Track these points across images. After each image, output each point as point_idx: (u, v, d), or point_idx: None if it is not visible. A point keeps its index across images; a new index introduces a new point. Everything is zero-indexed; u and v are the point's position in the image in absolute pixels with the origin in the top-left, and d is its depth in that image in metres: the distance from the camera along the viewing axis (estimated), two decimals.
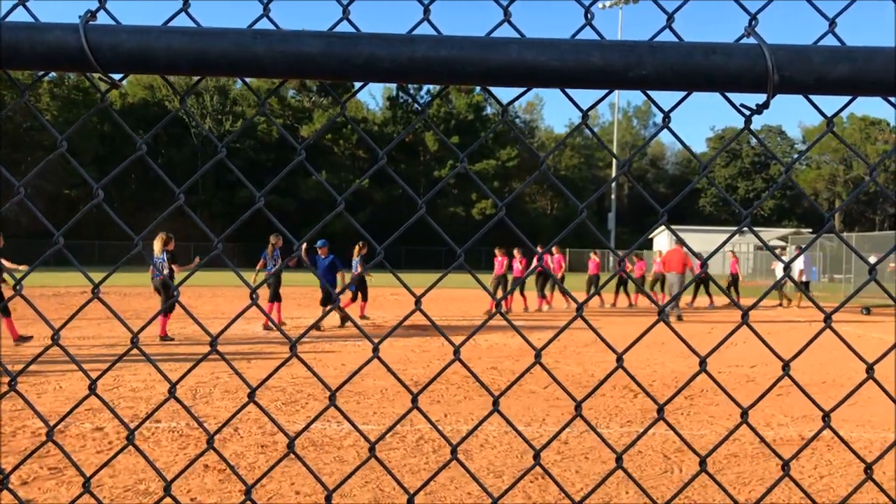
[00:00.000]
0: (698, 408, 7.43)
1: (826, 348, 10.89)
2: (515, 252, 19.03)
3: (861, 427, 6.76)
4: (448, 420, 6.81)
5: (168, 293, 13.29)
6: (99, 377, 1.15)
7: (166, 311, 13.42)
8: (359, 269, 15.71)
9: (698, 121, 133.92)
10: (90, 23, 1.04)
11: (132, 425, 6.29)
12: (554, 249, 20.82)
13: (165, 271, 13.14)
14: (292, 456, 4.78)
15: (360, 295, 16.39)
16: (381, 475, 5.04)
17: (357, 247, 16.24)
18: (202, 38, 1.03)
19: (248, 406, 6.25)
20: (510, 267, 18.56)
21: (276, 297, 14.45)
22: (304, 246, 13.16)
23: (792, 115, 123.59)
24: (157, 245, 13.07)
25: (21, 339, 11.33)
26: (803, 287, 21.21)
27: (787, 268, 1.26)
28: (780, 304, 22.36)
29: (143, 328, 1.22)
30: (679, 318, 17.80)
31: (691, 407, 7.47)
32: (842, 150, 75.24)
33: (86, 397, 1.18)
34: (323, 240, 15.10)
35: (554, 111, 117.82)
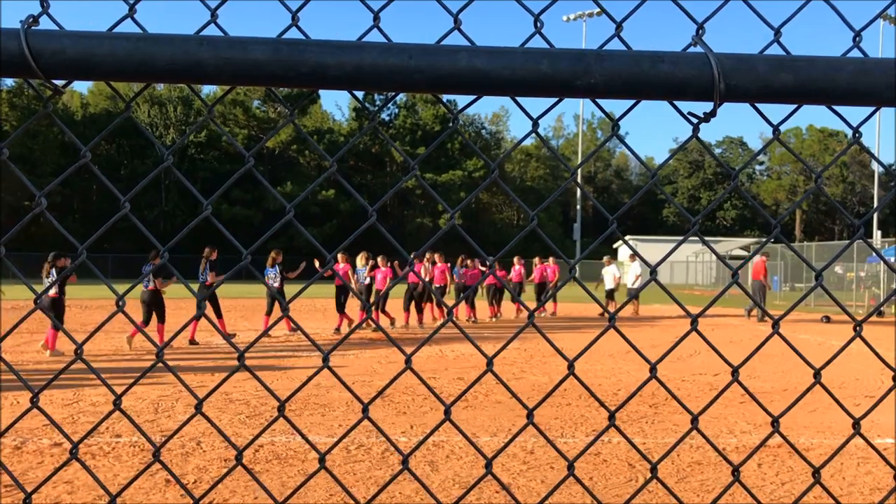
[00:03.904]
0: (663, 416, 7.49)
1: (786, 356, 11.04)
2: (516, 260, 20.20)
3: (821, 433, 6.86)
4: (413, 431, 6.78)
5: (366, 298, 15.67)
6: (40, 391, 1.12)
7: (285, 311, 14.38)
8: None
9: (661, 131, 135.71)
10: (32, 28, 1.02)
11: (90, 440, 6.16)
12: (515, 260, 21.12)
13: (367, 281, 15.55)
14: (257, 469, 4.69)
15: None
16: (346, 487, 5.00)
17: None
18: (147, 43, 1.01)
19: (210, 420, 6.11)
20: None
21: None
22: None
23: (753, 126, 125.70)
24: (360, 261, 15.78)
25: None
26: (634, 293, 21.20)
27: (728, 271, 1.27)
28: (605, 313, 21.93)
29: (86, 339, 1.19)
30: (762, 319, 19.60)
31: (656, 415, 7.52)
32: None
33: (27, 411, 1.15)
34: None
35: (521, 122, 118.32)
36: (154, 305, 12.67)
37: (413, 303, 17.50)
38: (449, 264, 18.36)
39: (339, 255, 15.83)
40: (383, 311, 17.07)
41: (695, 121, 1.14)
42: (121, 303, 1.15)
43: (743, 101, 1.08)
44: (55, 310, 11.75)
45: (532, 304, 22.05)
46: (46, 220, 1.12)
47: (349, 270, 15.98)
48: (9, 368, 1.09)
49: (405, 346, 1.17)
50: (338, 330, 15.93)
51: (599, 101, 1.16)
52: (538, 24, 1.18)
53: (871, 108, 1.13)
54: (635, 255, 1.26)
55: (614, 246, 61.51)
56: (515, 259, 21.03)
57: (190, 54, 1.00)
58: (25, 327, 12.24)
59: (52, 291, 11.64)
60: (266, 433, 6.60)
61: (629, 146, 1.31)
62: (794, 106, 1.15)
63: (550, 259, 21.58)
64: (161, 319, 12.62)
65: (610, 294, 21.57)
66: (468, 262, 19.14)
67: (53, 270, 11.81)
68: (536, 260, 21.43)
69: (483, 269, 19.03)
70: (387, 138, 1.08)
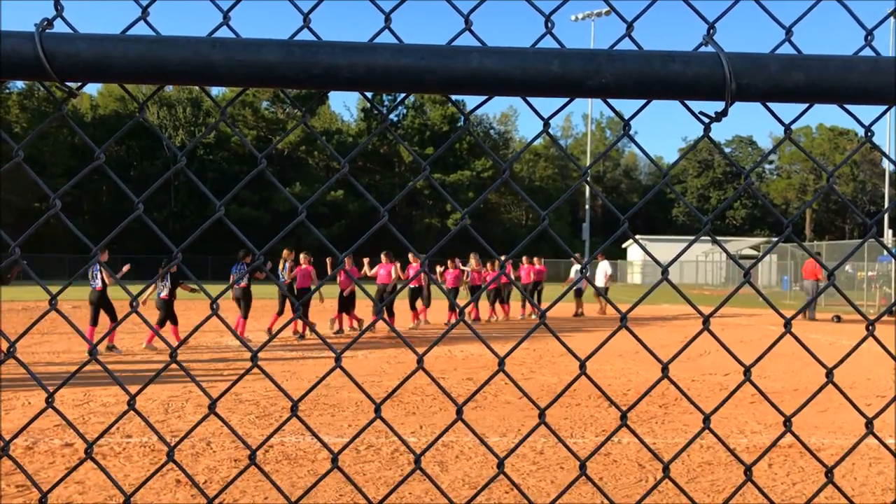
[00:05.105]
0: (672, 416, 7.47)
1: (797, 356, 11.01)
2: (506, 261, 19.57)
3: (833, 433, 6.83)
4: (423, 431, 6.78)
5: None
6: (56, 390, 1.13)
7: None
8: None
9: (671, 130, 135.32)
10: (46, 31, 1.02)
11: (101, 440, 6.18)
12: (524, 259, 21.02)
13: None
14: (268, 469, 4.71)
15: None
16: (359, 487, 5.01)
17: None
18: (160, 46, 1.02)
19: (217, 420, 6.13)
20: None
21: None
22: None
23: (763, 124, 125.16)
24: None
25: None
26: (603, 291, 20.60)
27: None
28: (579, 313, 21.23)
29: (100, 340, 1.20)
30: (812, 318, 20.72)
31: (665, 415, 7.50)
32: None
33: (42, 411, 1.16)
34: None
35: (529, 122, 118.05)
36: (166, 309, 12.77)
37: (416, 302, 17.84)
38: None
39: (302, 256, 15.12)
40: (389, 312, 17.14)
41: (706, 120, 1.14)
42: (134, 304, 1.15)
43: (754, 101, 1.08)
44: (167, 309, 12.60)
45: (519, 306, 21.79)
46: (56, 220, 1.13)
47: (312, 271, 15.25)
48: (25, 369, 1.10)
49: (414, 346, 1.17)
50: (354, 328, 16.29)
51: (610, 100, 1.16)
52: (549, 25, 1.19)
53: (883, 107, 1.12)
54: (645, 251, 1.25)
55: (623, 246, 61.43)
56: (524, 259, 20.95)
57: (203, 56, 1.01)
58: (37, 328, 12.30)
59: (164, 293, 12.57)
60: (276, 433, 6.61)
61: (641, 146, 1.31)
62: (806, 105, 1.14)
63: (535, 260, 21.28)
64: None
65: (578, 293, 21.31)
66: (448, 262, 19.07)
67: (168, 276, 12.59)
68: (524, 259, 21.12)
69: (464, 268, 18.95)
70: (399, 139, 1.08)
